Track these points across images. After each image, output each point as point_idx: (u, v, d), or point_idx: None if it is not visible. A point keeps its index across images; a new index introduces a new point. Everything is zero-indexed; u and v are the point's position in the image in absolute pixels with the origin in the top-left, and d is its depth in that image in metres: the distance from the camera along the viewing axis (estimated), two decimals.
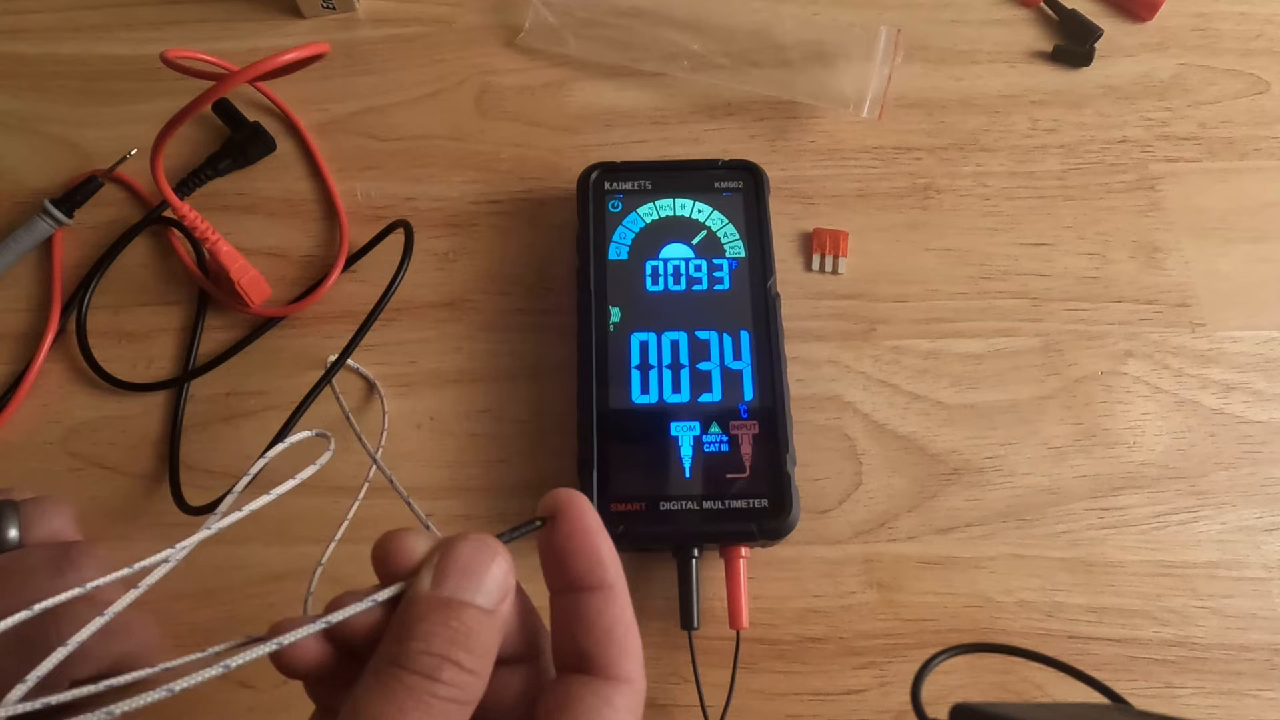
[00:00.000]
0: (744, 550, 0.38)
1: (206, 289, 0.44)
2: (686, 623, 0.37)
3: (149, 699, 0.20)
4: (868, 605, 0.39)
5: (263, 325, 0.44)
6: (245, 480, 0.26)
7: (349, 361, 0.42)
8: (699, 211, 0.44)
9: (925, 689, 0.29)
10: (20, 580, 0.33)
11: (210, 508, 0.38)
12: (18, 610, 0.32)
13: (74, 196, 0.45)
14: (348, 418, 0.39)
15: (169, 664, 0.22)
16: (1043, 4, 0.52)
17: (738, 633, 0.37)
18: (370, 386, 0.43)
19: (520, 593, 0.23)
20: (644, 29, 0.50)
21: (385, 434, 0.41)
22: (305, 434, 0.28)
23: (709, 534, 0.38)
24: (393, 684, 0.20)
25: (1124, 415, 0.42)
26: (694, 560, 0.38)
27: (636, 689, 0.23)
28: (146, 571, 0.24)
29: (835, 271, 0.45)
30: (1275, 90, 0.49)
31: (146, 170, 0.39)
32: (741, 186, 0.44)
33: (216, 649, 0.22)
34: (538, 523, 0.23)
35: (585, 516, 0.23)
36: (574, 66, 0.50)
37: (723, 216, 0.44)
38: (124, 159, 0.46)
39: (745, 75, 0.49)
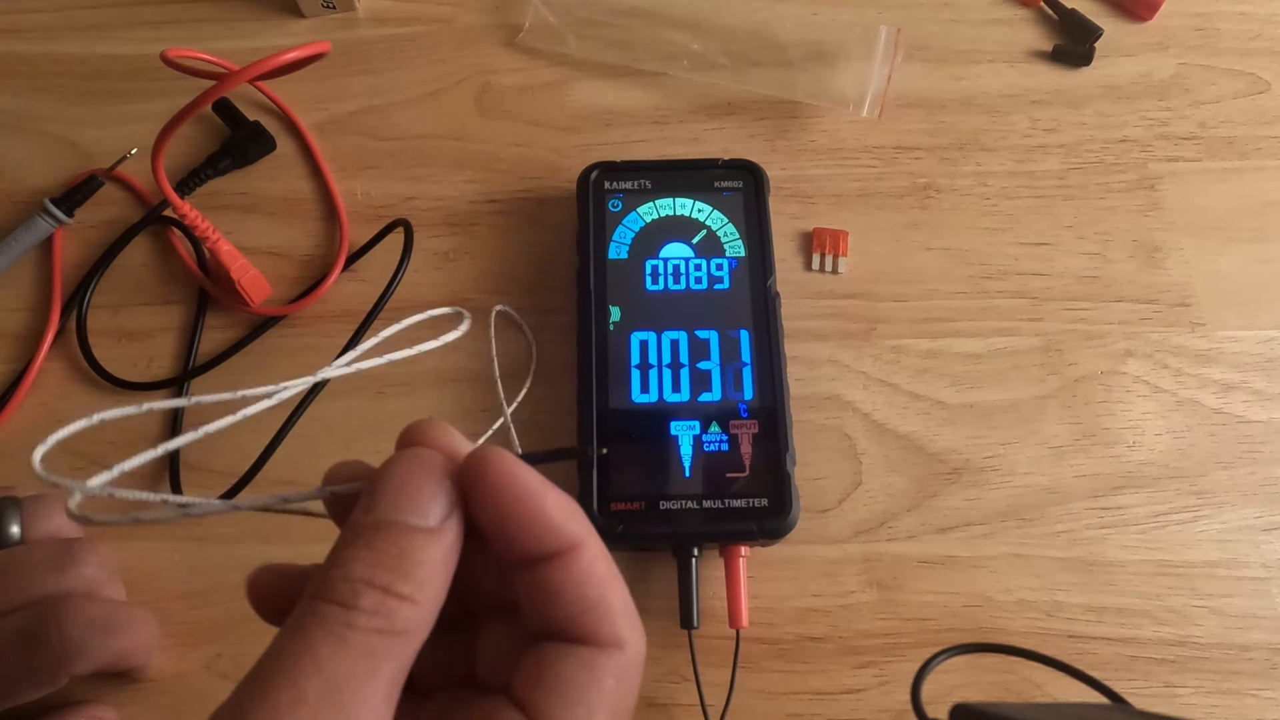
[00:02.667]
0: (744, 549, 0.38)
1: (207, 288, 0.44)
2: (686, 622, 0.37)
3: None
4: (868, 605, 0.39)
5: (263, 325, 0.44)
6: (372, 342, 0.25)
7: (503, 308, 0.42)
8: (699, 211, 0.44)
9: (925, 689, 0.29)
10: (22, 575, 0.33)
11: None
12: (20, 606, 0.32)
13: (74, 196, 0.46)
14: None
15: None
16: (1043, 4, 0.52)
17: (738, 632, 0.37)
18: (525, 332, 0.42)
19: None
20: (644, 29, 0.50)
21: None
22: (444, 310, 0.26)
23: (709, 533, 0.38)
24: (306, 617, 0.17)
25: (1124, 415, 0.42)
26: (694, 559, 0.38)
27: (628, 653, 0.20)
28: (249, 401, 0.22)
29: (835, 271, 0.45)
30: (1275, 90, 0.49)
31: (146, 169, 0.39)
32: (741, 186, 0.44)
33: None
34: (578, 450, 0.21)
35: (515, 479, 0.19)
36: (574, 66, 0.50)
37: (723, 216, 0.44)
38: (124, 158, 0.46)
39: (745, 75, 0.49)
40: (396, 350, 0.24)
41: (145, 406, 0.22)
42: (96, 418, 0.22)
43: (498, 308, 0.42)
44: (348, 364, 0.23)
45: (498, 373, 0.40)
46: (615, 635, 0.19)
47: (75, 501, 0.20)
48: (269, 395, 0.22)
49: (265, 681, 0.17)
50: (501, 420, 0.39)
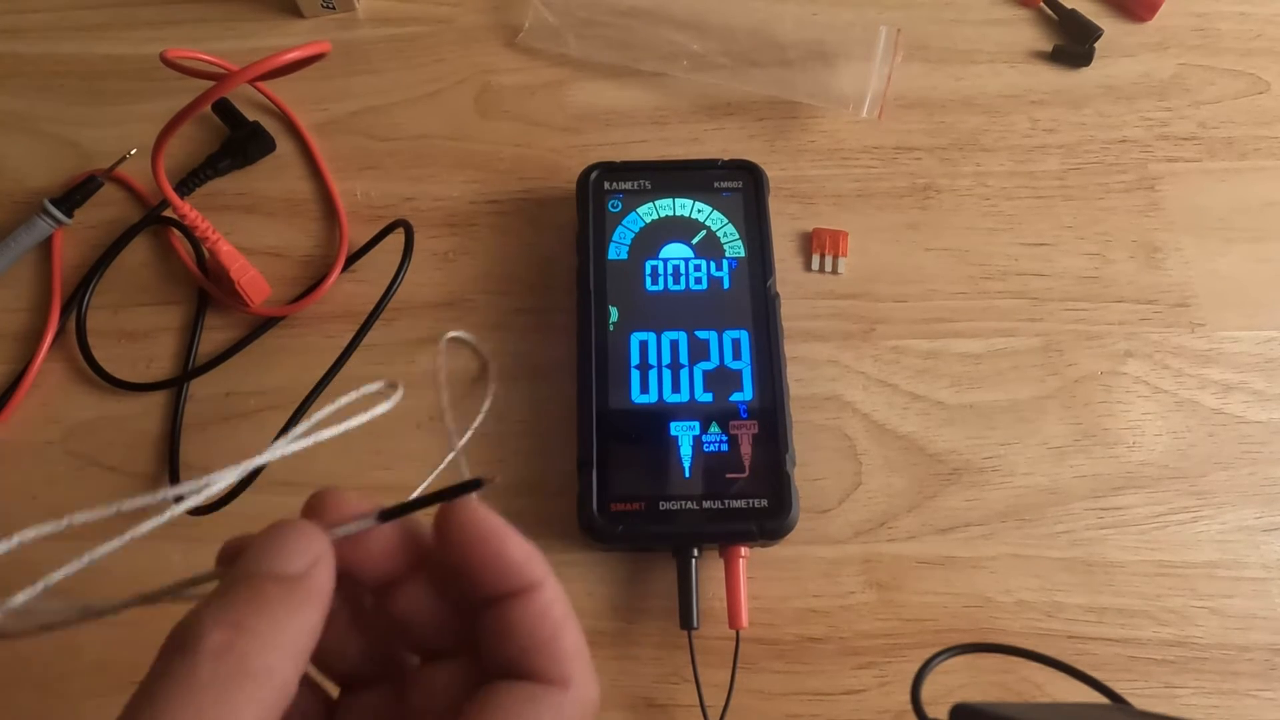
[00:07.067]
0: (744, 550, 0.38)
1: (206, 289, 0.44)
2: (686, 622, 0.37)
3: None
4: (867, 605, 0.39)
5: (262, 325, 0.44)
6: (305, 425, 0.25)
7: (457, 333, 0.42)
8: (699, 211, 0.44)
9: (925, 689, 0.29)
10: None
11: (212, 509, 0.38)
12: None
13: (74, 196, 0.45)
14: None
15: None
16: (1043, 4, 0.52)
17: (737, 632, 0.37)
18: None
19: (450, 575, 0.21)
20: (644, 29, 0.50)
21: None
22: (375, 385, 0.27)
23: (709, 534, 0.38)
24: (154, 671, 0.17)
25: (1124, 415, 0.42)
26: (694, 560, 0.38)
27: (577, 693, 0.20)
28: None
29: (835, 271, 0.45)
30: (1275, 90, 0.49)
31: (146, 170, 0.39)
32: (741, 186, 0.44)
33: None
34: (477, 482, 0.21)
35: (481, 523, 0.21)
36: (574, 66, 0.50)
37: (722, 216, 0.44)
38: (124, 158, 0.46)
39: (745, 75, 0.49)
40: (331, 426, 0.24)
41: (163, 494, 0.23)
42: (113, 509, 0.22)
43: (449, 334, 0.42)
44: (285, 447, 0.23)
45: (446, 401, 0.41)
46: (562, 673, 0.20)
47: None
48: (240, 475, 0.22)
49: None
50: (451, 455, 0.38)
